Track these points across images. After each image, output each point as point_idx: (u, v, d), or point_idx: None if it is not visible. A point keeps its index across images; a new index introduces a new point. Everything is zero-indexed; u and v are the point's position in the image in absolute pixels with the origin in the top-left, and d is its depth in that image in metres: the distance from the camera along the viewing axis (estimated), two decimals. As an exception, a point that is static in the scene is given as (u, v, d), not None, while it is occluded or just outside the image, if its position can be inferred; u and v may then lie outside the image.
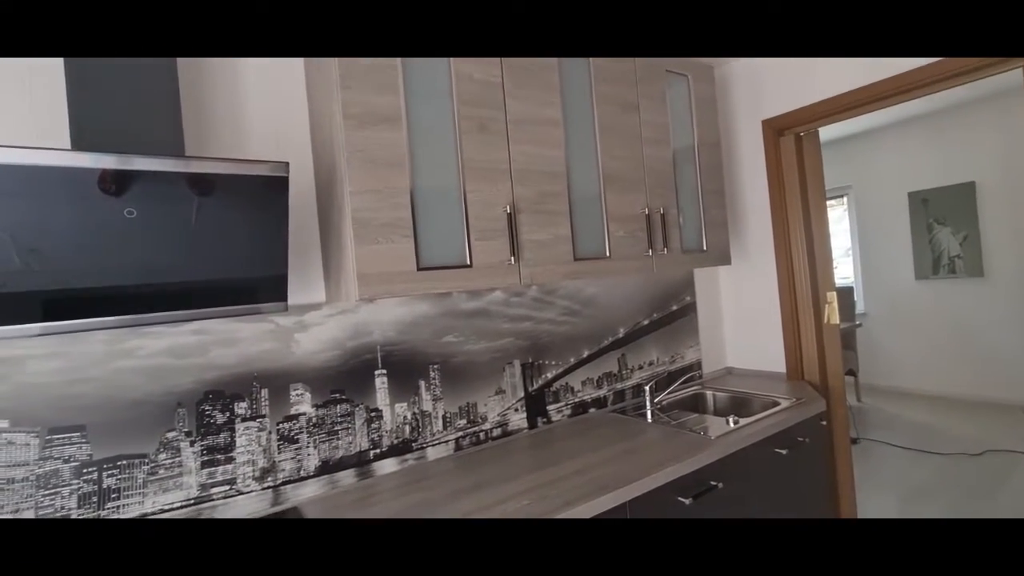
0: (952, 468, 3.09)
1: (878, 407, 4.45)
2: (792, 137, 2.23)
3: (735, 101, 2.42)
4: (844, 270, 5.34)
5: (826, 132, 4.26)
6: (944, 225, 4.51)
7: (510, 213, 1.46)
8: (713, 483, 1.51)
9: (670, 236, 1.89)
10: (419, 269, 1.30)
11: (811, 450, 1.90)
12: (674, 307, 2.35)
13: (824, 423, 2.00)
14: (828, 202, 4.63)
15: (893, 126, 4.74)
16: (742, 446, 1.61)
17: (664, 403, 2.12)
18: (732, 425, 1.68)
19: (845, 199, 5.28)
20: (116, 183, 0.97)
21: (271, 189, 1.12)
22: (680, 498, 1.43)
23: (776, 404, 1.91)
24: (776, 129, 2.26)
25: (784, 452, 1.76)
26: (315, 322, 1.45)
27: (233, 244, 1.11)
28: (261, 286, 1.17)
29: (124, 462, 1.18)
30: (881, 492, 2.85)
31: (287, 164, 1.11)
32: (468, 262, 1.38)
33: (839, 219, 5.34)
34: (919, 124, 4.57)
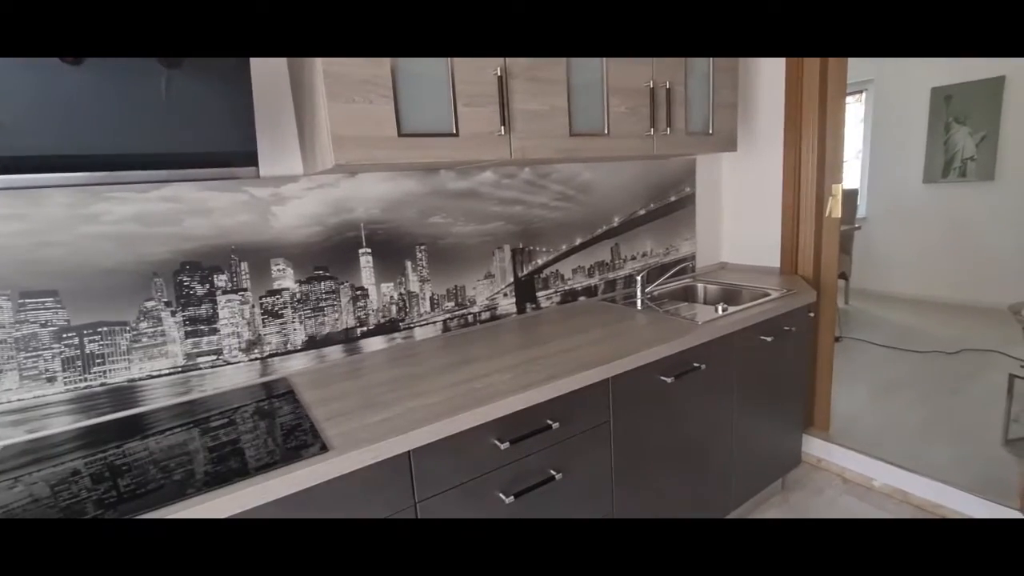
0: (926, 365, 3.21)
1: (864, 309, 4.54)
2: (819, 7, 2.00)
3: (760, -36, 2.15)
4: (850, 173, 5.17)
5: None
6: (963, 124, 4.29)
7: (501, 77, 1.32)
8: (696, 364, 1.54)
9: (675, 115, 1.75)
10: (400, 135, 1.19)
11: (796, 339, 1.93)
12: (672, 198, 2.27)
13: (812, 315, 2.01)
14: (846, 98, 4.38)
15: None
16: (728, 331, 1.62)
17: (655, 293, 2.11)
18: (720, 312, 1.68)
19: (863, 95, 4.97)
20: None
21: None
22: (662, 377, 1.47)
23: (766, 295, 1.90)
24: None
25: (769, 339, 1.78)
26: (293, 195, 1.37)
27: (194, 108, 1.00)
28: (229, 151, 1.07)
29: (105, 329, 1.17)
30: (855, 385, 2.98)
31: None
32: (454, 130, 1.27)
33: (854, 120, 5.06)
34: (957, 8, 4.16)
